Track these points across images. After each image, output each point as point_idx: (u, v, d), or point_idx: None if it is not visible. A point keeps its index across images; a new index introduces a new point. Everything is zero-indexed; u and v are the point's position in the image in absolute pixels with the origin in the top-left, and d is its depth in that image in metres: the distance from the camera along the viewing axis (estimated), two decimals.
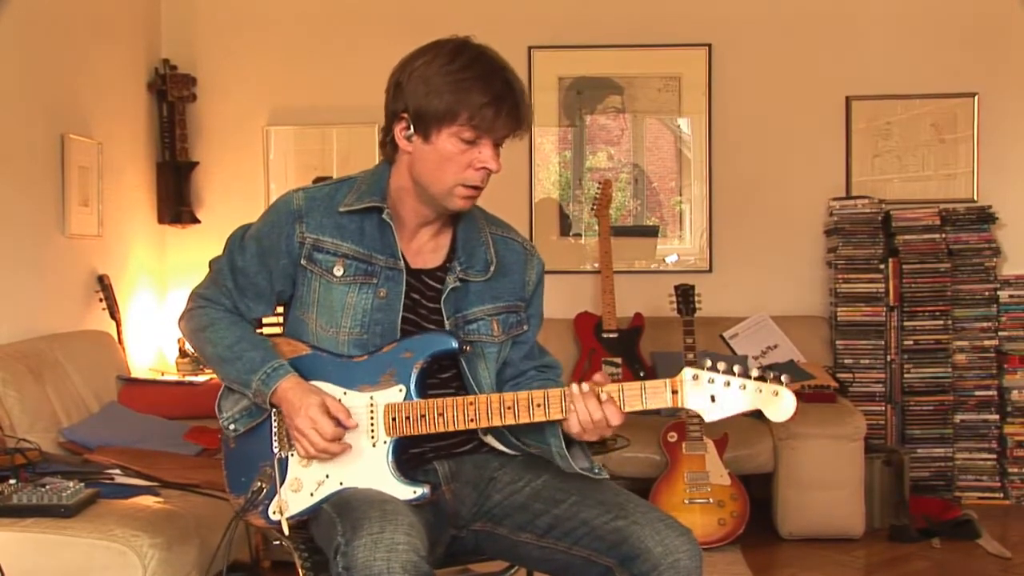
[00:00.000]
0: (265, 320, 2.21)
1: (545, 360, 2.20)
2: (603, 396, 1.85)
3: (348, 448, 1.95)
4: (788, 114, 4.96)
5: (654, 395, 1.84)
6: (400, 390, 1.95)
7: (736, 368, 1.81)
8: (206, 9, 5.04)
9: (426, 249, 2.08)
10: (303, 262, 2.03)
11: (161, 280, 4.99)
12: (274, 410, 2.02)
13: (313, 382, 2.00)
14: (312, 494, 1.98)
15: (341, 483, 1.96)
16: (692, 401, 1.82)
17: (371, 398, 1.97)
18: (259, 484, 2.02)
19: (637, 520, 1.89)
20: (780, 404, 1.79)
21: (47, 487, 2.67)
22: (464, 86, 1.89)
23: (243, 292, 2.09)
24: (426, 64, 1.94)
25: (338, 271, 2.02)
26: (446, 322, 2.04)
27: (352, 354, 2.01)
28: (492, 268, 2.10)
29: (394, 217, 2.04)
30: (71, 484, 2.70)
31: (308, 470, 1.99)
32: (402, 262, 2.03)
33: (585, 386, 1.86)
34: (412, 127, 1.96)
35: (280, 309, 2.18)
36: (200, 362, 4.64)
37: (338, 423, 1.94)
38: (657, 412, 4.34)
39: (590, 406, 1.85)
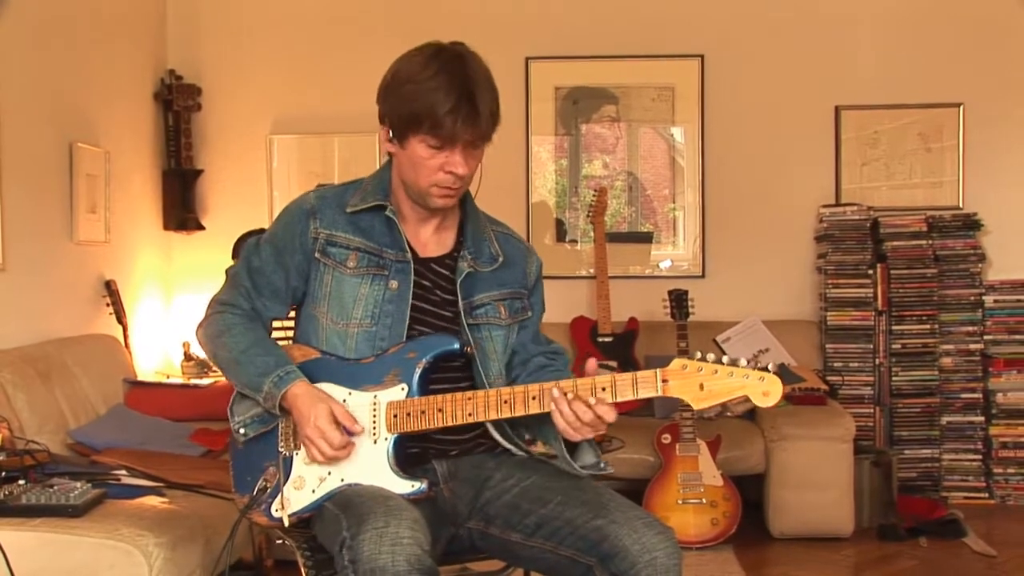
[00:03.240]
0: (274, 324, 2.25)
1: (552, 347, 2.26)
2: (592, 400, 1.89)
3: (353, 447, 2.00)
4: (779, 123, 5.01)
5: (645, 385, 1.88)
6: (402, 388, 2.01)
7: (724, 358, 1.86)
8: (211, 21, 5.10)
9: (431, 241, 2.16)
10: (317, 255, 2.10)
11: (167, 285, 5.04)
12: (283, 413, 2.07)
13: (320, 384, 2.05)
14: (314, 491, 2.02)
15: (342, 479, 2.01)
16: (682, 390, 1.86)
17: (375, 397, 2.02)
18: (264, 482, 2.07)
19: (616, 519, 1.93)
20: (766, 389, 1.83)
21: (55, 487, 2.67)
22: (427, 96, 1.96)
23: (260, 291, 2.15)
24: (402, 71, 2.03)
25: (351, 263, 2.09)
26: (460, 303, 2.11)
27: (359, 347, 2.07)
28: (499, 260, 2.18)
29: (398, 212, 2.12)
30: (79, 485, 2.71)
31: (311, 468, 2.04)
32: (409, 254, 2.11)
33: (568, 391, 1.91)
34: (391, 132, 2.06)
35: (291, 314, 2.24)
36: (205, 366, 4.69)
37: (345, 430, 2.00)
38: (652, 412, 4.44)
39: (577, 409, 1.89)
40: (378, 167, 2.24)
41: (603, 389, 1.90)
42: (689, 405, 1.90)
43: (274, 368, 2.04)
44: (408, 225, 2.14)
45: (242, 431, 2.11)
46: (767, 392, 1.83)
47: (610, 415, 1.90)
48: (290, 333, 2.26)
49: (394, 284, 2.09)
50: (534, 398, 1.93)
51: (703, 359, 1.86)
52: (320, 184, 2.24)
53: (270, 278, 2.14)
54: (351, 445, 2.01)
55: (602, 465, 2.01)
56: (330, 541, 1.92)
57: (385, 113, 2.06)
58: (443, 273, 2.14)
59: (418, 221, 2.15)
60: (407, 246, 2.11)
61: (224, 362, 2.12)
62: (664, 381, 1.87)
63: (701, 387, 1.85)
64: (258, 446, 2.11)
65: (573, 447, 2.02)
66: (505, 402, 1.95)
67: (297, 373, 2.04)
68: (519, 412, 1.95)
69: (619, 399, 1.90)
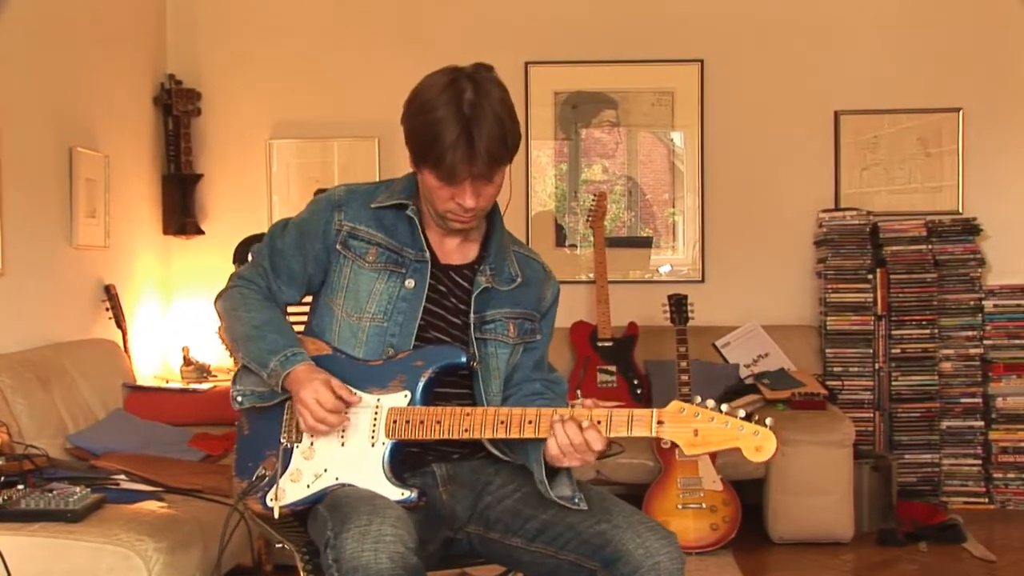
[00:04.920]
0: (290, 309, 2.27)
1: (552, 376, 2.27)
2: (585, 423, 1.90)
3: (346, 420, 2.02)
4: (778, 128, 5.02)
5: (640, 424, 1.89)
6: (405, 396, 2.02)
7: (724, 407, 1.87)
8: (211, 26, 5.11)
9: (455, 249, 2.18)
10: (338, 247, 2.12)
11: (166, 290, 5.05)
12: (287, 402, 2.08)
13: None
14: (308, 486, 2.03)
15: (337, 478, 2.01)
16: (675, 433, 1.87)
17: (378, 400, 2.04)
18: (263, 471, 2.09)
19: (619, 524, 1.94)
20: (759, 444, 1.84)
21: (54, 492, 2.68)
22: (429, 132, 1.97)
23: (278, 274, 2.17)
24: (418, 97, 2.02)
25: (370, 258, 2.11)
26: (472, 316, 2.12)
27: (370, 341, 2.09)
28: (518, 281, 2.19)
29: (422, 215, 2.14)
30: (77, 489, 2.73)
31: (309, 462, 2.05)
32: (427, 254, 2.12)
33: (565, 413, 1.92)
34: (410, 155, 2.07)
35: (305, 309, 2.25)
36: (205, 370, 4.70)
37: (339, 398, 2.00)
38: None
39: (569, 431, 1.90)
40: (377, 173, 2.26)
41: (598, 422, 1.91)
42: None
43: (283, 348, 2.06)
44: (433, 230, 2.16)
45: (239, 399, 2.14)
46: (760, 447, 1.85)
47: (598, 443, 1.91)
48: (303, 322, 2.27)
49: (410, 283, 2.11)
50: (530, 422, 1.94)
51: (702, 404, 1.87)
52: (320, 189, 2.26)
53: (289, 262, 2.17)
54: (343, 419, 2.01)
55: (576, 500, 2.01)
56: (318, 541, 1.94)
57: (405, 136, 2.07)
58: (460, 283, 2.16)
59: (441, 230, 2.16)
60: (426, 248, 2.13)
61: (236, 335, 2.14)
62: (659, 422, 1.88)
63: (695, 433, 1.86)
64: (263, 434, 2.13)
65: (552, 475, 2.02)
66: (502, 423, 1.96)
67: (304, 356, 2.06)
68: (514, 434, 1.96)
69: (613, 435, 1.91)
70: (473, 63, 2.04)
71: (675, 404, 1.88)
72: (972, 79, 4.95)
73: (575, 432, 1.90)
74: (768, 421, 1.85)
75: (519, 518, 2.05)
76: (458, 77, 1.99)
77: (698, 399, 1.88)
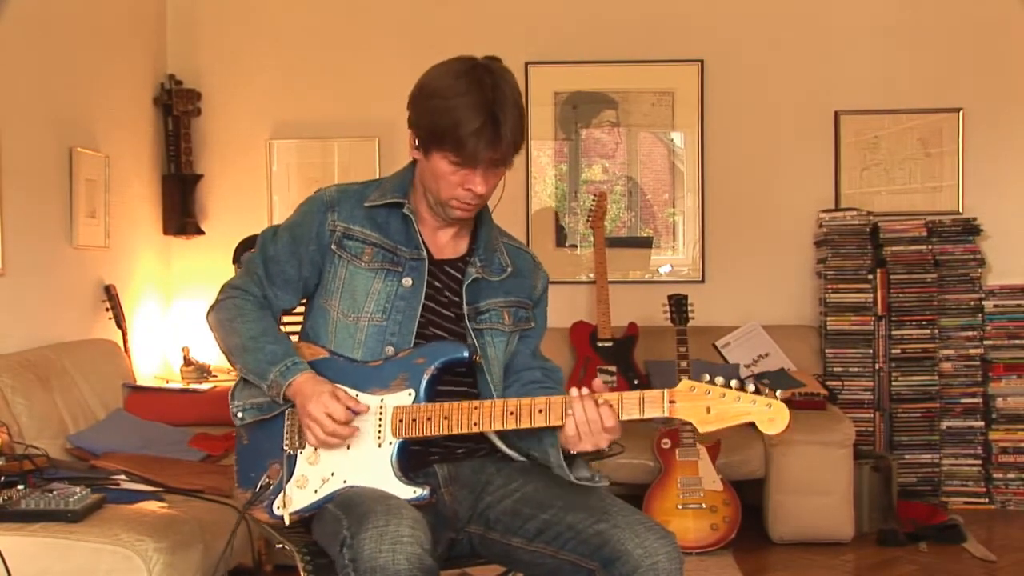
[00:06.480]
0: (284, 319, 2.27)
1: (548, 365, 2.28)
2: (600, 400, 1.91)
3: (356, 431, 2.01)
4: (778, 128, 5.03)
5: (652, 405, 1.89)
6: (410, 394, 2.02)
7: (733, 382, 1.86)
8: (211, 26, 5.11)
9: (447, 244, 2.19)
10: (333, 247, 2.12)
11: (166, 290, 5.05)
12: (288, 409, 2.08)
13: None
14: (316, 491, 2.03)
15: (345, 481, 2.01)
16: (688, 412, 1.87)
17: (381, 400, 2.04)
18: (266, 479, 2.08)
19: (618, 523, 1.94)
20: (772, 416, 1.84)
21: (54, 492, 2.68)
22: (452, 113, 1.97)
23: (272, 280, 2.16)
24: (432, 82, 2.04)
25: (366, 257, 2.11)
26: (464, 308, 2.13)
27: (369, 341, 2.09)
28: (508, 271, 2.21)
29: (416, 212, 2.15)
30: (78, 489, 2.72)
31: (314, 468, 2.05)
32: (424, 252, 2.13)
33: (585, 389, 1.93)
34: (417, 140, 2.08)
35: (300, 309, 2.25)
36: (205, 371, 4.70)
37: (348, 408, 2.00)
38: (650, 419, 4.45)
39: (587, 406, 1.91)
40: (377, 173, 2.26)
41: (610, 406, 1.92)
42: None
43: (282, 358, 2.05)
44: (425, 226, 2.17)
45: (240, 415, 2.13)
46: (773, 419, 1.85)
47: (610, 418, 1.91)
48: (298, 326, 2.27)
49: (408, 281, 2.11)
50: (540, 411, 1.95)
51: (711, 382, 1.87)
52: (319, 189, 2.25)
53: (283, 267, 2.16)
54: (354, 429, 2.01)
55: (596, 479, 2.02)
56: (330, 541, 1.93)
57: (413, 121, 2.08)
58: (453, 275, 2.17)
59: (435, 224, 2.17)
60: (422, 245, 2.14)
61: (233, 347, 2.13)
62: (671, 402, 1.88)
63: (708, 410, 1.86)
64: (263, 443, 2.12)
65: (568, 461, 2.02)
66: (511, 414, 1.96)
67: (304, 365, 2.06)
68: (524, 424, 1.96)
69: (625, 417, 1.92)
70: (483, 56, 2.06)
71: (685, 383, 1.88)
72: (972, 79, 4.95)
73: (592, 407, 1.91)
74: (778, 393, 1.85)
75: (519, 518, 2.05)
76: (475, 64, 2.02)
77: (706, 376, 1.87)
